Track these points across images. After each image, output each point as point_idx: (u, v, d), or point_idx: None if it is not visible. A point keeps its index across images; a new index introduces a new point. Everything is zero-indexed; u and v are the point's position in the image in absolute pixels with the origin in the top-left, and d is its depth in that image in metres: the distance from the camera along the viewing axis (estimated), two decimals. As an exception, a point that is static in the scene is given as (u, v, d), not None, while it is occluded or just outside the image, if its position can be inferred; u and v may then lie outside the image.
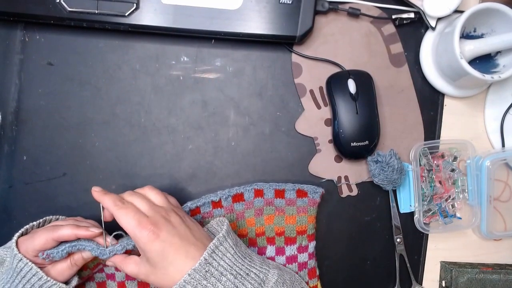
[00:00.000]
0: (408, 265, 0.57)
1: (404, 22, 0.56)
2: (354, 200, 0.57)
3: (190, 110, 0.55)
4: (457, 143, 0.57)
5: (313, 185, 0.54)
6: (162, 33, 0.53)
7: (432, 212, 0.57)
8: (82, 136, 0.54)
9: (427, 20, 0.55)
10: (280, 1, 0.52)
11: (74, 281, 0.47)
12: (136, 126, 0.55)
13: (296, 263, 0.54)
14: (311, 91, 0.56)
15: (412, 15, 0.55)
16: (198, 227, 0.46)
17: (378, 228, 0.58)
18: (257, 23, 0.52)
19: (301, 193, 0.53)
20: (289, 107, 0.56)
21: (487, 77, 0.50)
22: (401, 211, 0.57)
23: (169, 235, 0.42)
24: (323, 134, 0.56)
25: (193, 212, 0.52)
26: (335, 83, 0.55)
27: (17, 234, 0.46)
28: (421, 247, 0.58)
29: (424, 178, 0.56)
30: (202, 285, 0.41)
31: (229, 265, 0.43)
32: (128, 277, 0.52)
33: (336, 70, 0.56)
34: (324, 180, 0.56)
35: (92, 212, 0.52)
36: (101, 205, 0.46)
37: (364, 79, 0.55)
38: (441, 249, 0.59)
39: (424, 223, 0.56)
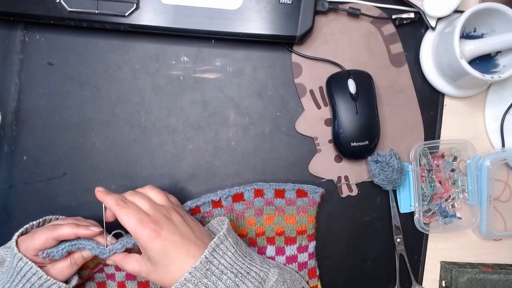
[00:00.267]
0: (408, 265, 0.57)
1: (404, 22, 0.56)
2: (354, 200, 0.57)
3: (190, 110, 0.55)
4: (457, 143, 0.57)
5: (313, 185, 0.54)
6: (162, 33, 0.53)
7: (432, 212, 0.57)
8: (82, 136, 0.54)
9: (427, 20, 0.55)
10: (280, 1, 0.52)
11: (74, 281, 0.47)
12: (136, 126, 0.55)
13: (296, 263, 0.54)
14: (311, 91, 0.56)
15: (412, 15, 0.55)
16: (199, 226, 0.46)
17: (378, 228, 0.58)
18: (257, 23, 0.52)
19: (301, 193, 0.53)
20: (289, 107, 0.56)
21: (487, 77, 0.50)
22: (401, 211, 0.57)
23: (170, 234, 0.42)
24: (323, 134, 0.56)
25: (193, 212, 0.52)
26: (335, 83, 0.55)
27: (17, 234, 0.46)
28: (421, 247, 0.58)
29: (424, 178, 0.56)
30: (203, 283, 0.41)
31: (230, 264, 0.43)
32: (128, 277, 0.52)
33: (336, 70, 0.56)
34: (324, 180, 0.56)
35: (92, 212, 0.52)
36: (103, 205, 0.46)
37: (364, 79, 0.55)
38: (441, 249, 0.59)
39: (424, 223, 0.56)
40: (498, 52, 0.55)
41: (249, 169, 0.56)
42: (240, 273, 0.43)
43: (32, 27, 0.54)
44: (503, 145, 0.58)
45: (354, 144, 0.54)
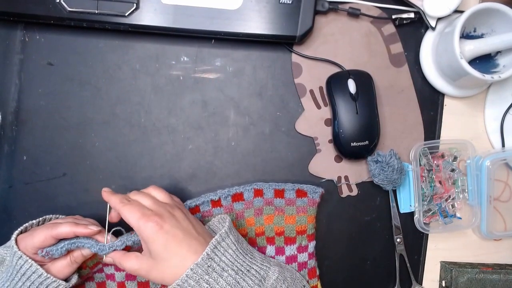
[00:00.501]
0: (408, 265, 0.57)
1: (404, 22, 0.56)
2: (354, 200, 0.57)
3: (190, 110, 0.55)
4: (457, 143, 0.57)
5: (313, 185, 0.54)
6: (162, 33, 0.53)
7: (432, 212, 0.57)
8: (82, 136, 0.54)
9: (427, 20, 0.55)
10: (280, 1, 0.52)
11: (74, 279, 0.47)
12: (136, 126, 0.55)
13: (296, 263, 0.54)
14: (311, 91, 0.56)
15: (412, 15, 0.55)
16: (200, 225, 0.47)
17: (378, 228, 0.58)
18: (257, 23, 0.52)
19: (300, 193, 0.53)
20: (289, 107, 0.56)
21: (487, 77, 0.50)
22: (401, 211, 0.57)
23: (173, 227, 0.43)
24: (323, 134, 0.56)
25: (192, 211, 0.52)
26: (335, 83, 0.55)
27: (16, 232, 0.46)
28: (421, 247, 0.58)
29: (424, 178, 0.56)
30: (204, 280, 0.41)
31: (231, 261, 0.43)
32: (128, 277, 0.52)
33: (336, 70, 0.56)
34: (324, 180, 0.56)
35: (92, 212, 0.53)
36: (108, 205, 0.46)
37: (364, 79, 0.55)
38: (441, 249, 0.59)
39: (424, 223, 0.56)
40: (498, 52, 0.55)
41: (249, 169, 0.56)
42: (241, 270, 0.43)
43: (32, 27, 0.54)
44: (503, 145, 0.58)
45: (354, 144, 0.54)
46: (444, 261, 0.59)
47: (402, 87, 0.57)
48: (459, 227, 0.58)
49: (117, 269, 0.52)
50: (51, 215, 0.50)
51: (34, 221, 0.48)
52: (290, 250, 0.54)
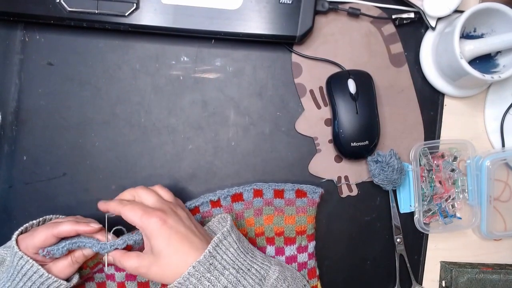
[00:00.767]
0: (408, 265, 0.57)
1: (404, 22, 0.56)
2: (354, 200, 0.57)
3: (190, 110, 0.55)
4: (457, 143, 0.57)
5: (313, 185, 0.54)
6: (162, 33, 0.53)
7: (432, 212, 0.57)
8: (82, 136, 0.54)
9: (427, 20, 0.55)
10: (280, 1, 0.52)
11: (75, 279, 0.47)
12: (136, 126, 0.55)
13: (296, 263, 0.54)
14: (311, 91, 0.56)
15: (412, 15, 0.55)
16: (201, 226, 0.47)
17: (378, 228, 0.58)
18: (257, 23, 0.52)
19: (300, 193, 0.53)
20: (289, 107, 0.56)
21: (487, 77, 0.50)
22: (401, 211, 0.57)
23: (176, 223, 0.43)
24: (323, 134, 0.56)
25: (192, 212, 0.52)
26: (335, 83, 0.55)
27: (16, 232, 0.46)
28: (421, 247, 0.58)
29: (424, 178, 0.56)
30: (206, 278, 0.41)
31: (232, 260, 0.43)
32: (128, 278, 0.52)
33: (336, 70, 0.56)
34: (324, 180, 0.56)
35: (92, 212, 0.52)
36: (106, 216, 0.47)
37: (364, 79, 0.55)
38: (441, 249, 0.59)
39: (424, 223, 0.56)
40: (498, 52, 0.55)
41: (249, 169, 0.56)
42: (242, 269, 0.43)
43: (32, 27, 0.54)
44: (503, 145, 0.57)
45: (354, 144, 0.54)
46: (444, 261, 0.59)
47: (402, 87, 0.57)
48: (459, 227, 0.58)
49: (117, 269, 0.52)
50: (51, 215, 0.50)
51: (34, 221, 0.48)
52: (290, 250, 0.54)
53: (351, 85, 0.54)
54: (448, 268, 0.57)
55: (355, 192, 0.57)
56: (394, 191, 0.57)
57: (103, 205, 0.46)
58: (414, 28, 0.57)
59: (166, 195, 0.48)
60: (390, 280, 0.58)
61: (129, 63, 0.55)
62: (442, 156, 0.57)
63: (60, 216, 0.51)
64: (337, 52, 0.56)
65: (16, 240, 0.45)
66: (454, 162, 0.57)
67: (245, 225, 0.53)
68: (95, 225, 0.46)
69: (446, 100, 0.58)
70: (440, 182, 0.57)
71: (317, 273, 0.55)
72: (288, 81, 0.56)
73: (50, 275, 0.44)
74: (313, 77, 0.56)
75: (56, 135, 0.54)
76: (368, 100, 0.54)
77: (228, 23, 0.52)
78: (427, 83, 0.57)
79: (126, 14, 0.51)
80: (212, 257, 0.42)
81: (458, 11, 0.54)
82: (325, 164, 0.56)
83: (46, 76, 0.54)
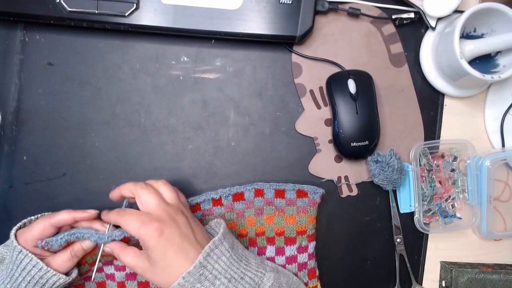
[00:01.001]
0: (408, 265, 0.57)
1: (404, 22, 0.56)
2: (354, 200, 0.57)
3: (190, 110, 0.55)
4: (457, 143, 0.57)
5: (313, 185, 0.54)
6: (162, 33, 0.53)
7: (432, 212, 0.57)
8: (82, 136, 0.54)
9: (427, 20, 0.55)
10: (280, 1, 0.52)
11: (74, 273, 0.47)
12: (136, 126, 0.55)
13: (296, 263, 0.54)
14: (311, 91, 0.56)
15: (412, 15, 0.55)
16: (201, 229, 0.46)
17: (378, 228, 0.58)
18: (257, 23, 0.52)
19: (301, 193, 0.53)
20: (289, 107, 0.56)
21: (487, 77, 0.50)
22: (401, 211, 0.57)
23: (172, 235, 0.42)
24: (323, 134, 0.56)
25: (193, 209, 0.52)
26: (335, 83, 0.55)
27: (15, 228, 0.46)
28: (421, 247, 0.58)
29: (424, 178, 0.56)
30: None
31: (224, 268, 0.43)
32: (128, 277, 0.52)
33: (336, 70, 0.56)
34: (324, 180, 0.56)
35: (92, 212, 0.52)
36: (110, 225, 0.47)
37: (364, 79, 0.55)
38: (441, 249, 0.59)
39: (424, 223, 0.56)
40: (498, 52, 0.55)
41: (249, 169, 0.56)
42: (234, 278, 0.43)
43: (32, 27, 0.54)
44: (503, 145, 0.58)
45: (354, 144, 0.54)
46: (444, 261, 0.59)
47: (402, 87, 0.57)
48: (459, 227, 0.58)
49: (117, 268, 0.52)
50: (49, 213, 0.50)
51: (32, 217, 0.48)
52: (290, 250, 0.54)
53: (351, 85, 0.54)
54: (448, 268, 0.57)
55: (355, 192, 0.57)
56: (394, 191, 0.57)
57: (105, 217, 0.47)
58: (414, 28, 0.57)
59: (169, 194, 0.46)
60: (390, 280, 0.58)
61: (129, 63, 0.55)
62: (442, 156, 0.57)
63: None
64: (337, 52, 0.56)
65: (15, 235, 0.46)
66: (454, 162, 0.57)
67: (246, 224, 0.53)
68: (92, 211, 0.47)
69: (446, 100, 0.58)
70: (440, 182, 0.57)
71: (317, 273, 0.55)
72: (288, 81, 0.56)
73: (48, 269, 0.45)
74: (313, 77, 0.56)
75: (56, 135, 0.54)
76: (368, 100, 0.54)
77: (228, 23, 0.52)
78: (427, 83, 0.57)
79: (126, 14, 0.51)
80: (202, 267, 0.42)
81: (458, 11, 0.54)
82: (325, 164, 0.56)
83: (46, 76, 0.54)
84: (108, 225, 0.47)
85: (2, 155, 0.54)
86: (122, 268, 0.52)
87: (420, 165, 0.56)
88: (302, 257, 0.54)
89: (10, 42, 0.54)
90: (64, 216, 0.46)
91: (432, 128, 0.58)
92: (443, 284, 0.58)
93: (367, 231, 0.57)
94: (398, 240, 0.57)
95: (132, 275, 0.52)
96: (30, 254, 0.44)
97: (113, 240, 0.45)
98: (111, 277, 0.52)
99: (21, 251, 0.44)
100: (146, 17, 0.51)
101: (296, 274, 0.54)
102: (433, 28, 0.55)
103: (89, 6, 0.50)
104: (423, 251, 0.58)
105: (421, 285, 0.58)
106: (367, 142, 0.54)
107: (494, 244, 0.59)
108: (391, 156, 0.54)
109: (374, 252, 0.58)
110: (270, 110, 0.56)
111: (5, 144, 0.54)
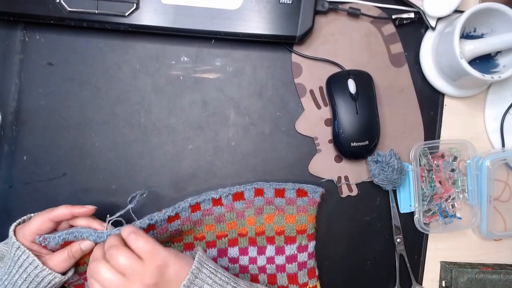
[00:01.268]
0: (408, 265, 0.57)
1: (404, 22, 0.56)
2: (354, 200, 0.57)
3: (190, 110, 0.55)
4: (457, 143, 0.57)
5: (313, 185, 0.54)
6: (162, 33, 0.53)
7: (432, 212, 0.57)
8: (82, 136, 0.54)
9: (427, 20, 0.55)
10: (280, 1, 0.52)
11: (70, 273, 0.48)
12: (136, 126, 0.55)
13: (296, 263, 0.54)
14: (311, 91, 0.56)
15: (412, 15, 0.55)
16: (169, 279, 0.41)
17: (378, 228, 0.58)
18: (257, 23, 0.52)
19: (301, 193, 0.53)
20: (289, 107, 0.56)
21: (487, 77, 0.50)
22: (401, 211, 0.57)
23: None
24: (323, 134, 0.56)
25: (193, 208, 0.52)
26: (335, 83, 0.55)
27: (14, 224, 0.47)
28: (421, 247, 0.58)
29: (424, 178, 0.56)
30: None
31: None
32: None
33: (336, 70, 0.56)
34: (324, 180, 0.56)
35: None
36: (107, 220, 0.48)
37: (364, 79, 0.55)
38: (441, 249, 0.59)
39: (424, 223, 0.56)
40: (498, 52, 0.55)
41: (249, 169, 0.56)
42: None
43: (32, 27, 0.54)
44: (503, 145, 0.58)
45: (354, 144, 0.54)
46: (444, 261, 0.59)
47: (402, 87, 0.57)
48: (459, 227, 0.58)
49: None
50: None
51: (32, 214, 0.49)
52: (290, 249, 0.54)
53: (351, 85, 0.54)
54: (448, 268, 0.57)
55: (355, 192, 0.57)
56: (394, 191, 0.57)
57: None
58: (414, 28, 0.57)
59: (142, 245, 0.41)
60: (390, 280, 0.58)
61: (129, 63, 0.55)
62: (442, 156, 0.57)
63: None
64: (337, 52, 0.56)
65: (14, 231, 0.46)
66: (454, 162, 0.57)
67: (246, 224, 0.53)
68: (90, 207, 0.47)
69: (446, 100, 0.58)
70: (440, 182, 0.57)
71: (317, 273, 0.55)
72: (288, 81, 0.56)
73: (44, 267, 0.45)
74: (313, 77, 0.56)
75: (56, 135, 0.54)
76: (368, 100, 0.54)
77: (228, 23, 0.52)
78: (427, 83, 0.57)
79: (126, 14, 0.51)
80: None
81: (458, 11, 0.54)
82: (325, 164, 0.56)
83: (46, 76, 0.54)
84: (107, 224, 0.47)
85: (2, 155, 0.54)
86: None
87: (420, 165, 0.56)
88: (302, 256, 0.54)
89: (10, 42, 0.54)
90: (62, 211, 0.46)
91: (432, 128, 0.58)
92: (443, 284, 0.58)
93: (367, 231, 0.57)
94: (398, 240, 0.57)
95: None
96: (27, 251, 0.45)
97: None
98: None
99: (19, 247, 0.45)
100: (146, 17, 0.51)
101: (296, 274, 0.54)
102: (433, 28, 0.55)
103: (89, 6, 0.50)
104: (423, 251, 0.58)
105: (421, 285, 0.58)
106: (367, 142, 0.54)
107: (494, 244, 0.59)
108: (391, 156, 0.54)
109: (374, 252, 0.58)
110: (270, 110, 0.56)
111: (5, 144, 0.54)
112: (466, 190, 0.58)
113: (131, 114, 0.55)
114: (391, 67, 0.57)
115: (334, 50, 0.56)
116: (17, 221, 0.47)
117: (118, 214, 0.48)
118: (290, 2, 0.52)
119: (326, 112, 0.56)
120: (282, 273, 0.54)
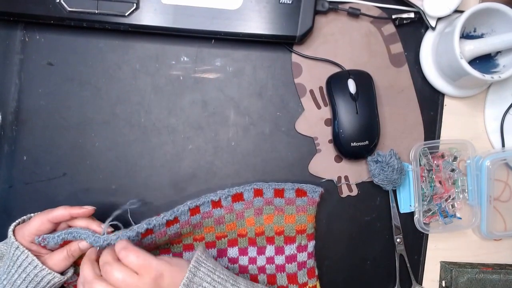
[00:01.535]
0: (408, 265, 0.57)
1: (404, 22, 0.56)
2: (354, 200, 0.57)
3: (190, 110, 0.55)
4: (457, 143, 0.57)
5: (313, 185, 0.54)
6: (162, 33, 0.53)
7: (432, 212, 0.57)
8: (82, 136, 0.54)
9: (427, 20, 0.55)
10: (280, 1, 0.52)
11: (70, 272, 0.48)
12: (136, 126, 0.55)
13: (296, 263, 0.54)
14: (311, 91, 0.56)
15: (412, 15, 0.55)
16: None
17: (378, 228, 0.58)
18: (257, 23, 0.52)
19: (300, 193, 0.53)
20: (289, 107, 0.56)
21: (487, 77, 0.50)
22: (401, 211, 0.57)
23: None
24: (323, 134, 0.56)
25: (192, 212, 0.52)
26: (335, 83, 0.55)
27: (13, 224, 0.47)
28: (421, 247, 0.58)
29: (424, 178, 0.56)
30: None
31: None
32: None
33: (336, 70, 0.56)
34: (324, 180, 0.56)
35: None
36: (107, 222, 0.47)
37: (364, 79, 0.55)
38: (441, 249, 0.59)
39: (424, 223, 0.56)
40: (498, 52, 0.55)
41: (249, 169, 0.56)
42: None
43: (32, 27, 0.54)
44: (503, 145, 0.58)
45: (354, 144, 0.54)
46: (444, 261, 0.59)
47: (402, 87, 0.57)
48: (459, 227, 0.58)
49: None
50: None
51: (31, 214, 0.49)
52: (289, 249, 0.54)
53: (351, 85, 0.54)
54: (448, 268, 0.57)
55: (355, 192, 0.57)
56: (394, 191, 0.57)
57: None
58: (414, 28, 0.57)
59: (134, 260, 0.41)
60: (390, 280, 0.58)
61: (129, 63, 0.55)
62: (442, 156, 0.57)
63: None
64: (337, 52, 0.56)
65: (13, 231, 0.46)
66: (454, 162, 0.57)
67: (246, 224, 0.53)
68: (89, 207, 0.47)
69: (446, 100, 0.58)
70: (440, 182, 0.57)
71: (316, 273, 0.55)
72: (288, 81, 0.56)
73: (43, 267, 0.45)
74: (313, 77, 0.56)
75: (56, 135, 0.54)
76: (368, 100, 0.54)
77: (228, 23, 0.52)
78: (427, 83, 0.57)
79: (126, 14, 0.51)
80: None
81: (458, 11, 0.54)
82: (325, 164, 0.56)
83: (46, 76, 0.54)
84: (105, 227, 0.47)
85: (2, 155, 0.54)
86: None
87: (420, 165, 0.56)
88: (302, 256, 0.54)
89: (10, 42, 0.54)
90: (60, 212, 0.46)
91: (432, 128, 0.58)
92: (443, 284, 0.58)
93: (367, 231, 0.57)
94: (398, 240, 0.57)
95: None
96: (26, 251, 0.45)
97: (108, 244, 0.45)
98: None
99: (18, 247, 0.45)
100: (146, 17, 0.51)
101: (295, 273, 0.54)
102: (433, 28, 0.55)
103: (89, 6, 0.50)
104: (423, 251, 0.58)
105: (421, 285, 0.58)
106: (367, 142, 0.54)
107: (494, 244, 0.59)
108: (391, 156, 0.54)
109: (374, 252, 0.58)
110: (270, 110, 0.56)
111: (5, 144, 0.54)
112: (466, 190, 0.58)
113: (131, 114, 0.55)
114: (391, 67, 0.57)
115: (334, 50, 0.56)
116: (17, 221, 0.47)
117: (109, 219, 0.47)
118: (290, 2, 0.52)
119: (326, 112, 0.56)
120: (282, 273, 0.54)
